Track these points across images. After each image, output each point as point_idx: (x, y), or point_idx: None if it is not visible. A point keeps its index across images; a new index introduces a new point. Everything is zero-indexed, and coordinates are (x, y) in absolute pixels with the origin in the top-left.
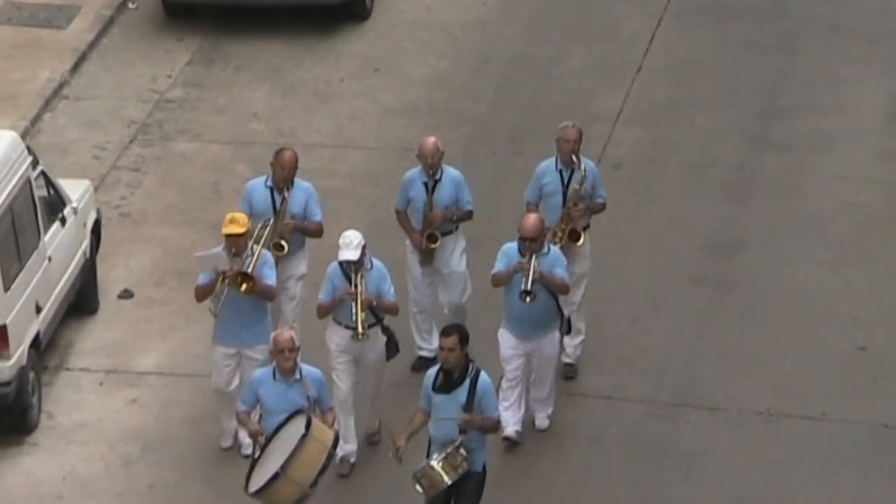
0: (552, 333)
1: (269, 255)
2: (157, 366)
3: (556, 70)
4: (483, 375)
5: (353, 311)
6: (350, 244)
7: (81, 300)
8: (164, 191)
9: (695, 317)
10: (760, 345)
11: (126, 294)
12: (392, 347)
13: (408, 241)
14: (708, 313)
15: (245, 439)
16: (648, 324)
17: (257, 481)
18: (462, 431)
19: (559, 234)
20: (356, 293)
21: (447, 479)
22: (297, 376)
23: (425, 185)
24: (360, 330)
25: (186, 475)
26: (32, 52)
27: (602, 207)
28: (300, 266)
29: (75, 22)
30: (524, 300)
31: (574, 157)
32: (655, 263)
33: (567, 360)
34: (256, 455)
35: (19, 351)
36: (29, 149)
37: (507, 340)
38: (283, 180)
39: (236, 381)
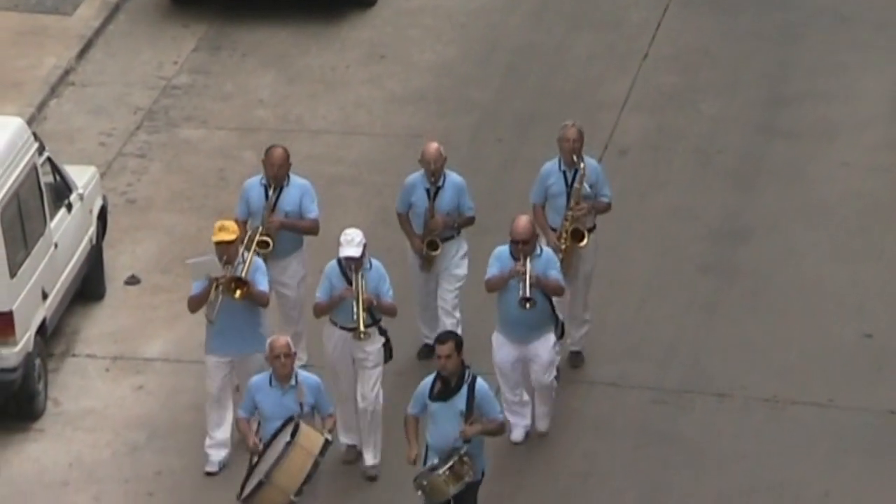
0: (547, 336)
1: (260, 262)
2: (163, 352)
3: (563, 58)
4: (480, 381)
5: (354, 310)
6: (352, 241)
7: (87, 287)
8: (171, 177)
9: (701, 304)
10: (766, 332)
11: (132, 280)
12: (387, 351)
13: (408, 245)
14: (714, 301)
15: (213, 456)
16: (654, 311)
17: (247, 488)
18: (466, 441)
19: (563, 234)
20: (357, 291)
21: (452, 491)
22: (293, 382)
23: (427, 191)
24: (361, 328)
25: (193, 462)
26: (38, 38)
27: (607, 207)
28: (299, 269)
29: (81, 8)
30: (524, 307)
31: (575, 157)
32: (661, 251)
33: (573, 349)
34: (254, 461)
35: (25, 337)
36: (35, 135)
37: (501, 345)
38: (274, 178)
39: (230, 389)
